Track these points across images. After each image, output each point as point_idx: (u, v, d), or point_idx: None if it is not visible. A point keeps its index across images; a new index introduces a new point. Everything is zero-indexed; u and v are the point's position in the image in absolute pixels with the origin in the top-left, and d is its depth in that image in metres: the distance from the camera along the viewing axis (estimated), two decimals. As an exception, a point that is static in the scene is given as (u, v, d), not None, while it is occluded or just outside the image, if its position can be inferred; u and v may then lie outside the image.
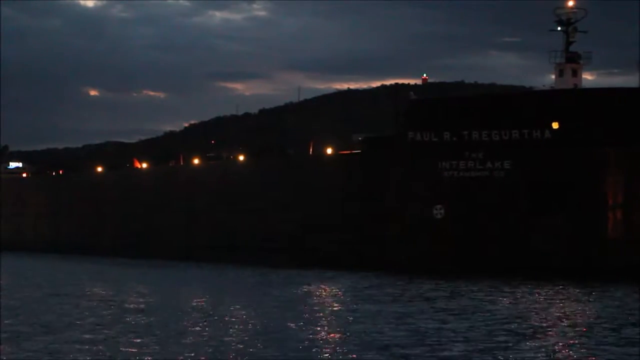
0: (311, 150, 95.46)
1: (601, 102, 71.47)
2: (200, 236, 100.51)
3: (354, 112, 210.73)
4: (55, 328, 42.96)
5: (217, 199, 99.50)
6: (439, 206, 76.25)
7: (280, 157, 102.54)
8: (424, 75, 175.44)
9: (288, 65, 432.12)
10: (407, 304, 52.61)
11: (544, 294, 57.03)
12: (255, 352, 35.96)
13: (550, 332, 41.08)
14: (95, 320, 45.89)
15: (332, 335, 40.63)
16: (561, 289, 59.71)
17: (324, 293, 60.67)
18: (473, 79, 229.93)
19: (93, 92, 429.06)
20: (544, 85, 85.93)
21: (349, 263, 78.78)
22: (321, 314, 48.32)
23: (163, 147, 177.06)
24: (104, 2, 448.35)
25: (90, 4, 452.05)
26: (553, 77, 79.15)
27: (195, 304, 53.51)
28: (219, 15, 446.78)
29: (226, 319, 46.02)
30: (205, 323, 44.27)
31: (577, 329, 42.30)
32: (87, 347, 37.21)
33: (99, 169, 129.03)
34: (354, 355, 35.20)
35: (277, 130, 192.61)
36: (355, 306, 51.75)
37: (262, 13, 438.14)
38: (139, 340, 38.83)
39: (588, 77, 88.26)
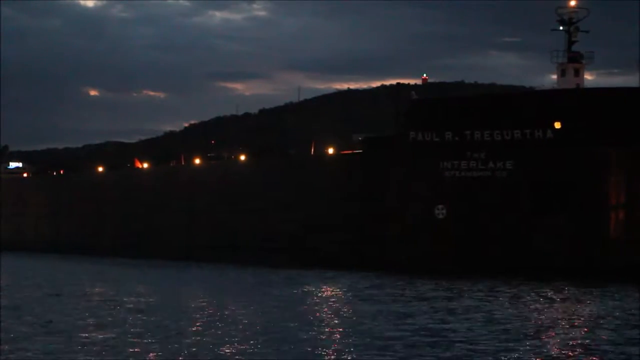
0: (312, 150, 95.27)
1: (603, 102, 71.32)
2: (201, 236, 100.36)
3: (354, 112, 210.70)
4: (55, 328, 42.82)
5: (218, 199, 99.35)
6: (440, 206, 76.07)
7: (282, 157, 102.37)
8: (424, 75, 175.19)
9: (288, 65, 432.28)
10: (407, 304, 52.53)
11: (545, 294, 56.89)
12: (256, 352, 35.83)
13: (550, 332, 40.95)
14: (95, 320, 45.78)
15: (332, 335, 40.48)
16: (563, 289, 59.61)
17: (324, 293, 60.55)
18: (473, 79, 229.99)
19: (93, 92, 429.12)
20: (543, 86, 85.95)
21: (349, 263, 78.64)
22: (322, 314, 48.20)
23: (163, 147, 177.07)
24: (104, 2, 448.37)
25: (90, 4, 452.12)
26: (553, 77, 79.13)
27: (195, 304, 53.39)
28: (219, 15, 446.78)
29: (226, 319, 45.90)
30: (205, 323, 44.14)
31: (577, 329, 42.18)
32: (87, 347, 37.07)
33: (100, 169, 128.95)
34: (354, 356, 35.07)
35: (277, 130, 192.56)
36: (355, 306, 51.63)
37: (262, 13, 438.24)
38: (139, 340, 38.68)
39: (588, 77, 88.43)
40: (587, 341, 38.47)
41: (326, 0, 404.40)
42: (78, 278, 76.25)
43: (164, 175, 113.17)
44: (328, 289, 63.09)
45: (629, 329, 42.06)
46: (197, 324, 43.92)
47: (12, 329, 42.40)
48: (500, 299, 54.45)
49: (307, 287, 64.04)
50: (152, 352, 35.75)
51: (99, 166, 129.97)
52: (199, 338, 39.06)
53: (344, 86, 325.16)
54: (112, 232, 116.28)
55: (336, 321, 45.31)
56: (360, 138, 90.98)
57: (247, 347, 36.89)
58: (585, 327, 42.82)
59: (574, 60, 77.83)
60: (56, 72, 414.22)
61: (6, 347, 37.08)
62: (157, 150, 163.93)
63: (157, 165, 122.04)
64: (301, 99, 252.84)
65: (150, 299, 56.73)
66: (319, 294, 59.75)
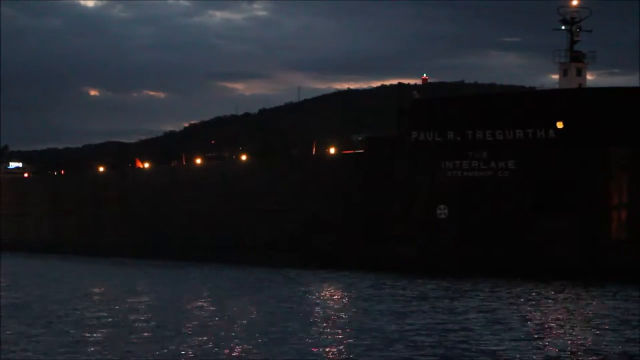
0: (314, 150, 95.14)
1: (606, 102, 71.15)
2: (203, 236, 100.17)
3: (354, 112, 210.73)
4: (55, 328, 42.82)
5: (219, 199, 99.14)
6: (442, 206, 75.94)
7: (283, 157, 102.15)
8: (424, 75, 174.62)
9: (288, 65, 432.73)
10: (409, 303, 52.50)
11: (547, 294, 56.84)
12: (257, 352, 35.78)
13: (551, 332, 40.95)
14: (95, 320, 45.78)
15: (333, 335, 40.41)
16: (564, 289, 59.52)
17: (326, 293, 60.47)
18: (473, 79, 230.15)
19: (93, 92, 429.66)
20: (542, 86, 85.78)
21: (351, 263, 78.45)
22: (323, 314, 48.16)
23: (163, 147, 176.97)
24: (104, 2, 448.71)
25: (90, 4, 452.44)
26: (554, 76, 78.98)
27: (196, 304, 53.28)
28: (219, 15, 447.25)
29: (227, 318, 45.84)
30: (206, 323, 44.09)
31: (578, 329, 42.18)
32: (87, 347, 37.05)
33: (101, 169, 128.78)
34: (355, 356, 35.05)
35: (277, 130, 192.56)
36: (357, 306, 51.58)
37: (262, 13, 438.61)
38: (139, 340, 38.67)
39: (589, 77, 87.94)
40: (588, 341, 38.45)
41: (326, 0, 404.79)
42: (78, 278, 76.23)
43: (165, 175, 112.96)
44: (330, 288, 63.02)
45: (630, 329, 42.01)
46: (198, 323, 43.83)
47: (12, 329, 42.37)
48: (502, 299, 54.38)
49: (308, 287, 63.99)
50: (153, 352, 35.67)
51: (100, 166, 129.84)
52: (199, 338, 38.99)
53: (344, 86, 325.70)
54: (113, 232, 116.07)
55: (337, 321, 45.27)
56: (360, 138, 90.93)
57: (248, 347, 36.84)
58: (586, 327, 42.79)
59: (576, 60, 77.66)
60: (56, 72, 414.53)
61: (6, 347, 37.07)
62: (157, 150, 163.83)
63: (158, 165, 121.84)
64: (301, 99, 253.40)
65: (151, 299, 56.72)
66: (321, 294, 59.69)
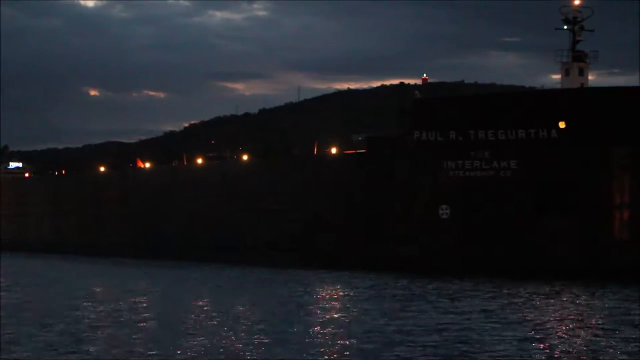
0: (315, 150, 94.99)
1: (608, 102, 71.01)
2: (203, 236, 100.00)
3: (354, 112, 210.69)
4: (55, 328, 42.77)
5: (221, 199, 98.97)
6: (444, 206, 75.77)
7: (285, 157, 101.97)
8: (424, 75, 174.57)
9: (288, 65, 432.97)
10: (410, 303, 52.43)
11: (548, 294, 56.79)
12: (258, 352, 35.76)
13: (552, 332, 40.90)
14: (95, 320, 45.76)
15: (334, 335, 40.38)
16: (566, 289, 59.41)
17: (327, 293, 60.37)
18: (473, 79, 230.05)
19: (93, 92, 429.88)
20: (542, 86, 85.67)
21: (353, 263, 78.27)
22: (323, 314, 48.17)
23: (163, 147, 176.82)
24: (104, 2, 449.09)
25: (90, 4, 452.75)
26: (554, 76, 78.92)
27: (197, 303, 53.17)
28: (219, 15, 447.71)
29: (228, 318, 45.81)
30: (207, 322, 44.07)
31: (579, 329, 42.14)
32: (87, 347, 37.03)
33: (102, 169, 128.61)
34: (356, 356, 35.01)
35: (277, 130, 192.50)
36: (358, 306, 51.50)
37: (262, 13, 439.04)
38: (139, 340, 38.65)
39: (589, 77, 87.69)
40: (589, 341, 38.45)
41: (326, 0, 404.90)
42: (79, 278, 76.13)
43: (166, 175, 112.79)
44: (330, 288, 62.91)
45: (631, 329, 41.98)
46: (198, 323, 43.84)
47: (12, 329, 42.29)
48: (503, 299, 54.33)
49: (309, 287, 63.94)
50: (153, 352, 35.68)
51: (101, 166, 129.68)
52: (200, 338, 38.98)
53: (344, 86, 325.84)
54: (113, 232, 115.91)
55: (338, 321, 45.23)
56: (360, 138, 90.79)
57: (248, 346, 36.82)
58: (587, 327, 42.77)
59: (579, 60, 77.54)
60: (56, 72, 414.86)
61: (6, 347, 37.07)
62: (157, 150, 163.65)
63: (159, 165, 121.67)
64: (301, 99, 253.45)
65: (152, 299, 56.76)
66: (321, 294, 59.64)
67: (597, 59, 78.29)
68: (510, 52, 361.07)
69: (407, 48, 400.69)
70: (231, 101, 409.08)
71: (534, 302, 52.66)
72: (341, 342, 38.32)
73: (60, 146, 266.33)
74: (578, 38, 77.71)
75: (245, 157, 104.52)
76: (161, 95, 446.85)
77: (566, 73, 77.31)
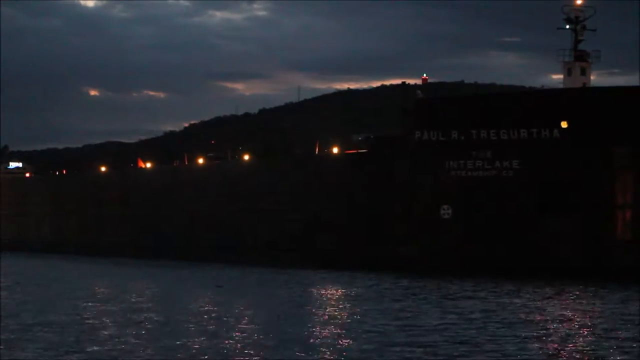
0: (317, 149, 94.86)
1: (610, 102, 70.89)
2: (204, 236, 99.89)
3: (354, 112, 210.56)
4: (55, 328, 42.66)
5: (222, 199, 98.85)
6: (446, 206, 75.60)
7: (287, 157, 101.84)
8: (424, 75, 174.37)
9: (288, 65, 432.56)
10: (411, 303, 52.32)
11: (550, 294, 56.67)
12: (258, 352, 35.66)
13: (553, 332, 40.84)
14: (95, 319, 45.70)
15: (335, 335, 40.28)
16: (568, 289, 59.32)
17: (327, 293, 60.26)
18: (473, 79, 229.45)
19: (93, 92, 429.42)
20: (543, 86, 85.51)
21: (354, 263, 78.10)
22: (323, 314, 48.02)
23: (163, 147, 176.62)
24: (104, 2, 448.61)
25: (90, 4, 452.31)
26: (554, 76, 78.97)
27: (198, 304, 53.09)
28: (219, 15, 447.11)
29: (230, 318, 45.72)
30: (208, 323, 43.96)
31: (580, 329, 42.10)
32: (87, 347, 36.95)
33: (103, 169, 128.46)
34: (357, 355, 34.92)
35: (277, 130, 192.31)
36: (358, 306, 51.41)
37: (262, 13, 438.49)
38: (139, 340, 38.53)
39: (590, 77, 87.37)
40: (590, 341, 38.41)
41: (326, 0, 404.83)
42: (79, 278, 76.04)
43: (167, 175, 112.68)
44: (330, 288, 62.80)
45: (632, 329, 41.91)
46: (198, 323, 43.73)
47: (12, 329, 42.21)
48: (504, 299, 54.21)
49: (309, 287, 63.90)
50: (153, 352, 35.62)
51: (102, 166, 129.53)
52: (200, 338, 38.92)
53: (344, 86, 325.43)
54: (114, 232, 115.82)
55: (338, 321, 45.13)
56: (360, 138, 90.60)
57: (248, 346, 36.76)
58: (588, 327, 42.72)
59: (581, 59, 77.40)
60: (56, 72, 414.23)
61: (6, 346, 36.95)
62: (157, 150, 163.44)
63: (161, 165, 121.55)
64: (301, 99, 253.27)
65: (152, 299, 56.67)
66: (321, 294, 59.54)
67: (599, 59, 78.29)
68: (510, 52, 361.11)
69: (407, 48, 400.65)
70: (231, 101, 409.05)
71: (535, 302, 52.51)
72: (341, 342, 38.22)
73: (60, 146, 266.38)
74: (580, 37, 77.61)
75: (246, 157, 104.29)
76: (161, 95, 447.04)
77: (568, 73, 77.16)
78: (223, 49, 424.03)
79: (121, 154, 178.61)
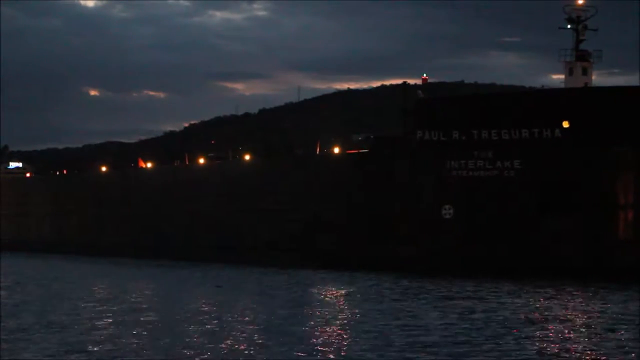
0: (318, 149, 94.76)
1: (612, 101, 70.75)
2: (204, 236, 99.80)
3: (354, 112, 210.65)
4: (55, 328, 42.65)
5: (221, 199, 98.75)
6: (447, 206, 75.45)
7: (288, 156, 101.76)
8: (424, 75, 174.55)
9: (288, 65, 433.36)
10: (411, 304, 52.25)
11: (552, 294, 56.53)
12: (258, 352, 35.65)
13: (554, 333, 40.72)
14: (95, 319, 45.65)
15: (336, 335, 40.28)
16: (569, 289, 59.20)
17: (329, 293, 60.14)
18: (473, 79, 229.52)
19: (93, 92, 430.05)
20: (543, 86, 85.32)
21: (355, 263, 77.99)
22: (324, 314, 47.89)
23: (163, 147, 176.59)
24: (104, 2, 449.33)
25: (90, 4, 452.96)
26: (554, 76, 78.97)
27: (198, 304, 53.04)
28: (219, 15, 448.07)
29: (230, 318, 45.67)
30: (208, 323, 43.90)
31: (581, 329, 42.05)
32: (87, 347, 36.92)
33: (104, 169, 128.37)
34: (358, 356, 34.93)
35: (277, 130, 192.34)
36: (358, 306, 51.41)
37: (262, 13, 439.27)
38: (140, 340, 38.50)
39: (592, 77, 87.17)
40: (591, 341, 38.34)
41: (326, 0, 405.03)
42: (80, 278, 76.01)
43: (167, 175, 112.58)
44: (330, 289, 62.74)
45: (632, 329, 41.85)
46: (198, 323, 43.68)
47: (12, 329, 42.17)
48: (505, 299, 54.12)
49: (309, 287, 63.85)
50: (154, 351, 35.59)
51: (102, 166, 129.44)
52: (200, 338, 38.91)
53: (344, 86, 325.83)
54: (114, 232, 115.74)
55: (338, 321, 45.07)
56: (360, 138, 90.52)
57: (248, 346, 36.75)
58: (589, 327, 42.66)
59: (582, 59, 77.25)
60: (56, 72, 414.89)
61: (6, 346, 36.94)
62: (157, 150, 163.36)
63: (162, 165, 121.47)
64: (301, 99, 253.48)
65: (152, 299, 56.74)
66: (321, 294, 59.43)
67: (600, 59, 78.12)
68: (510, 52, 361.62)
69: (407, 48, 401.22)
70: (231, 101, 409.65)
71: (535, 302, 52.43)
72: (341, 342, 38.20)
73: (60, 146, 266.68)
74: (581, 37, 77.45)
75: (247, 157, 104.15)
76: (161, 95, 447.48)
77: (570, 72, 77.01)
78: (223, 49, 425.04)
79: (121, 154, 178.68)
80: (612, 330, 41.08)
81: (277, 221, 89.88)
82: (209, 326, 42.68)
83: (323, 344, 37.33)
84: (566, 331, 41.13)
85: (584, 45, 77.77)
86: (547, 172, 72.01)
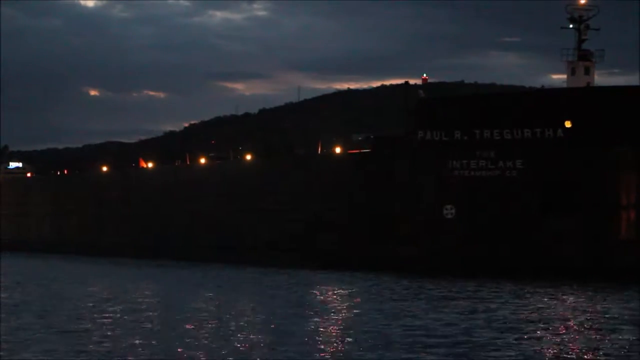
0: (319, 149, 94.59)
1: (614, 101, 70.60)
2: (204, 236, 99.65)
3: (354, 112, 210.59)
4: (55, 327, 42.57)
5: (221, 199, 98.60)
6: (449, 206, 75.27)
7: (289, 156, 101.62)
8: (424, 75, 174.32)
9: (288, 65, 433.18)
10: (412, 304, 52.15)
11: (553, 294, 56.40)
12: (259, 352, 35.60)
13: (555, 333, 40.67)
14: (95, 319, 45.56)
15: (336, 335, 40.19)
16: (570, 289, 59.10)
17: (330, 293, 60.04)
18: (473, 79, 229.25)
19: (93, 92, 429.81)
20: (542, 86, 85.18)
21: (356, 263, 77.82)
22: (324, 314, 47.82)
23: (163, 147, 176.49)
24: (104, 2, 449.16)
25: (90, 4, 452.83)
26: (554, 76, 78.79)
27: (199, 304, 52.90)
28: (219, 15, 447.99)
29: (228, 318, 45.60)
30: (209, 323, 43.82)
31: (581, 329, 41.94)
32: (87, 347, 36.82)
33: (104, 169, 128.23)
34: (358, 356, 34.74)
35: (277, 130, 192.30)
36: (358, 306, 51.32)
37: (262, 13, 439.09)
38: (140, 340, 38.41)
39: (594, 77, 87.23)
40: (591, 341, 38.24)
41: (326, 0, 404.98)
42: (80, 278, 75.89)
43: (167, 175, 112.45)
44: (331, 289, 62.61)
45: (633, 329, 41.80)
46: (198, 323, 43.59)
47: (12, 329, 42.08)
48: (506, 299, 54.02)
49: (309, 287, 63.72)
50: (154, 351, 35.54)
51: (102, 166, 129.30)
52: (200, 338, 38.85)
53: (344, 86, 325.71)
54: (114, 232, 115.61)
55: (341, 321, 45.01)
56: (360, 138, 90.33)
57: (249, 346, 36.68)
58: (589, 327, 42.56)
59: (584, 59, 77.07)
60: (56, 72, 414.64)
61: (6, 346, 36.84)
62: (157, 150, 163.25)
63: (162, 165, 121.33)
64: (301, 99, 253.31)
65: (152, 299, 56.58)
66: (322, 294, 59.31)
67: (602, 58, 78.02)
68: (510, 52, 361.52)
69: (407, 48, 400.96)
70: (231, 101, 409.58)
71: (536, 302, 52.31)
72: (341, 342, 38.09)
73: (60, 146, 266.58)
74: (583, 37, 77.30)
75: (248, 157, 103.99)
76: (161, 95, 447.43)
77: (572, 72, 76.85)
78: (223, 49, 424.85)
79: (121, 154, 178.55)
80: (613, 331, 41.01)
81: (278, 221, 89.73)
82: (208, 326, 42.58)
83: (323, 344, 37.22)
84: (566, 331, 41.03)
85: (585, 45, 77.62)
86: (549, 172, 71.84)
